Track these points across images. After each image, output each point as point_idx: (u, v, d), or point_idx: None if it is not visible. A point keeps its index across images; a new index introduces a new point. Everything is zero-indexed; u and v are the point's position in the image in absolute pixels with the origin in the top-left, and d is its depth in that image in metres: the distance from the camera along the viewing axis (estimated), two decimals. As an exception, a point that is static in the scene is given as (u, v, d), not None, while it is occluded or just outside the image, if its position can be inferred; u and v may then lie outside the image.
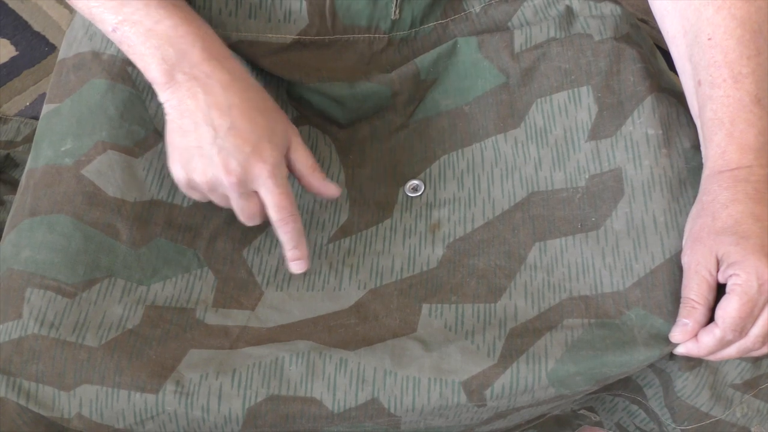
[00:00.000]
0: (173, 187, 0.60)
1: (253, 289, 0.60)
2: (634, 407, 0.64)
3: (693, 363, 0.56)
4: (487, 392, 0.53)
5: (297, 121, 0.67)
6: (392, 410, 0.52)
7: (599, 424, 0.71)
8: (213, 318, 0.57)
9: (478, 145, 0.65)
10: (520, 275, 0.58)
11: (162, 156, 0.61)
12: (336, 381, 0.53)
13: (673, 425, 0.59)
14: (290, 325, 0.58)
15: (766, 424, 0.59)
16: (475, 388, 0.53)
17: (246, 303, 0.59)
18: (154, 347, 0.54)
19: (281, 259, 0.61)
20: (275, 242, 0.61)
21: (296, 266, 0.59)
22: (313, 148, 0.67)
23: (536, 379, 0.53)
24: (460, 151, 0.66)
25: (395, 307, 0.58)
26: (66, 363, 0.52)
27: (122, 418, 0.52)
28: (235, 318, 0.58)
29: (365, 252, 0.62)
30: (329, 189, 0.60)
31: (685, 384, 0.57)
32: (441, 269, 0.60)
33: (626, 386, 0.62)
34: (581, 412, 0.70)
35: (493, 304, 0.57)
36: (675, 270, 0.55)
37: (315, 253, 0.62)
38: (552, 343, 0.54)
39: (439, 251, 0.61)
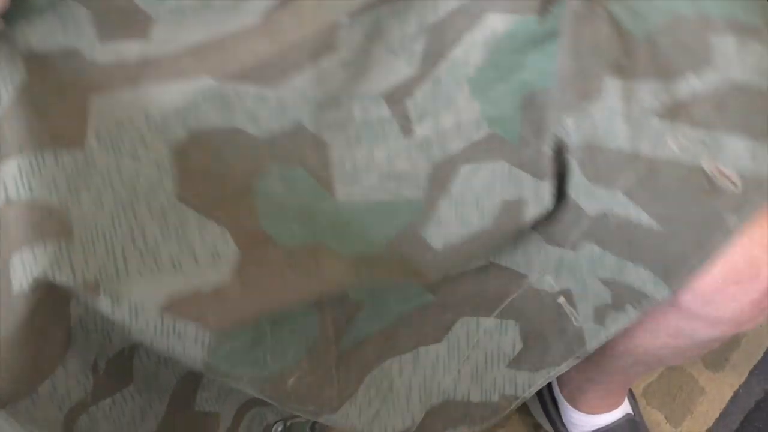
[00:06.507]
0: None
1: (140, 17, 0.51)
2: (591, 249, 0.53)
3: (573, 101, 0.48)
4: (409, 102, 0.52)
5: None
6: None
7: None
8: (103, 54, 0.50)
9: None
10: None
11: None
12: (258, 113, 0.50)
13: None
14: (195, 50, 0.51)
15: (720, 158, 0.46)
16: (396, 98, 0.52)
17: (136, 31, 0.51)
18: (57, 105, 0.47)
19: None
20: None
21: None
22: None
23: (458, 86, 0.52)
24: None
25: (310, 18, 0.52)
26: None
27: (54, 186, 0.45)
28: (129, 49, 0.50)
29: None
30: None
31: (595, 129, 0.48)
32: None
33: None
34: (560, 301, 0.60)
35: None
36: None
37: None
38: (474, 47, 0.52)
39: None
